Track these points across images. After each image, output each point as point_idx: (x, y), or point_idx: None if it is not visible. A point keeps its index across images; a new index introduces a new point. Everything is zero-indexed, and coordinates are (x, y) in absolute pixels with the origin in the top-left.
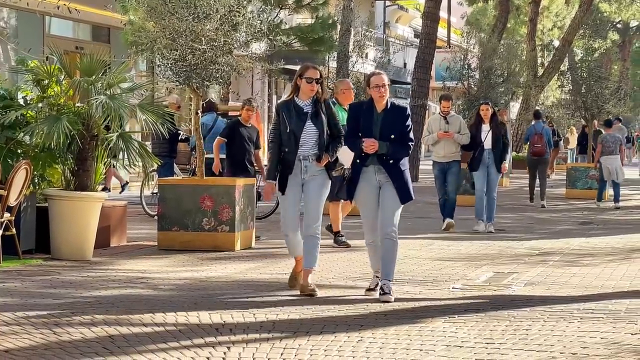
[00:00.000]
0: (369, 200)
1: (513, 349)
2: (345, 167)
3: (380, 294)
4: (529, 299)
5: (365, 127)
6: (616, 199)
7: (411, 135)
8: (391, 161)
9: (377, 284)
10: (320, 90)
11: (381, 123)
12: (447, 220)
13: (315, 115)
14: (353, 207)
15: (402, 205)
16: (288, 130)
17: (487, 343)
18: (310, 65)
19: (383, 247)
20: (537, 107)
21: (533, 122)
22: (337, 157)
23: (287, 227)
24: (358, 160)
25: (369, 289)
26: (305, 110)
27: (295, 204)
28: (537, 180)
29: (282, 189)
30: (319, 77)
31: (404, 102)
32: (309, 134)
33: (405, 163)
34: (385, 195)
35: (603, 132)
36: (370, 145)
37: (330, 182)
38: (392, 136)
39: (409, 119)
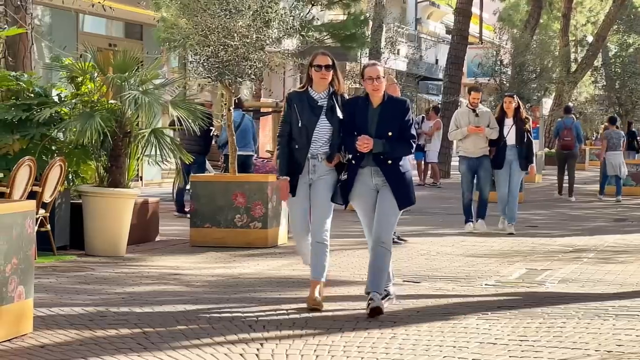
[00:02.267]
0: (366, 203)
1: (547, 347)
2: None
3: (369, 301)
4: (563, 296)
5: (360, 124)
6: (618, 192)
7: (413, 131)
8: (389, 161)
9: (385, 295)
10: (337, 81)
11: (377, 119)
12: (479, 220)
13: (331, 110)
14: None
15: (401, 212)
16: (300, 125)
17: (521, 340)
18: (320, 52)
19: (374, 255)
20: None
21: (563, 117)
22: (349, 158)
23: (296, 230)
24: (354, 161)
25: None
26: (319, 104)
27: (304, 205)
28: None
29: (293, 190)
30: (330, 63)
31: (435, 98)
32: (322, 131)
33: (406, 164)
34: (382, 200)
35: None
36: (363, 143)
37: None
38: (390, 133)
39: (409, 113)
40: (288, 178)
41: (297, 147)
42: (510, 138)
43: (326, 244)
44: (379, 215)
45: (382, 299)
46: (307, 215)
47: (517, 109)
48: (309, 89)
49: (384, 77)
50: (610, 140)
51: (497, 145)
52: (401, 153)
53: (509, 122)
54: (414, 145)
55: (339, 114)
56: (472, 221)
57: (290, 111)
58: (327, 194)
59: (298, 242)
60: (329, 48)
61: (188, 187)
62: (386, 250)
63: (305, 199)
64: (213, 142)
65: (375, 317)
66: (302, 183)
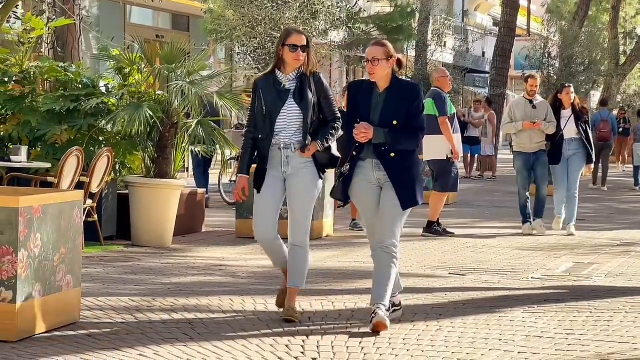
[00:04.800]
0: (367, 201)
1: (594, 341)
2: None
3: (372, 316)
4: (610, 290)
5: (363, 110)
6: (636, 183)
7: (422, 121)
8: (392, 154)
9: (394, 305)
10: (308, 60)
11: (382, 105)
12: (536, 220)
13: (300, 92)
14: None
15: (407, 212)
16: (264, 112)
17: (568, 334)
18: (294, 30)
19: (376, 261)
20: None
21: (599, 109)
22: (330, 148)
23: (258, 231)
24: (354, 152)
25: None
26: (287, 87)
27: (272, 201)
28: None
29: (258, 186)
30: (305, 44)
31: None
32: (291, 117)
33: (414, 158)
34: (384, 198)
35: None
36: (361, 131)
37: (320, 179)
38: (395, 122)
39: (419, 100)
40: (246, 176)
41: (260, 136)
42: (568, 131)
43: (304, 247)
44: (381, 215)
45: (388, 310)
46: (275, 213)
47: (573, 100)
48: (276, 71)
49: (386, 60)
50: (637, 133)
51: (553, 139)
52: (406, 145)
53: (566, 113)
54: (421, 137)
55: (310, 96)
56: (530, 221)
57: (255, 98)
58: (304, 191)
59: (261, 243)
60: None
61: (234, 178)
62: (389, 255)
63: (276, 196)
64: None
65: (378, 332)
66: (273, 176)
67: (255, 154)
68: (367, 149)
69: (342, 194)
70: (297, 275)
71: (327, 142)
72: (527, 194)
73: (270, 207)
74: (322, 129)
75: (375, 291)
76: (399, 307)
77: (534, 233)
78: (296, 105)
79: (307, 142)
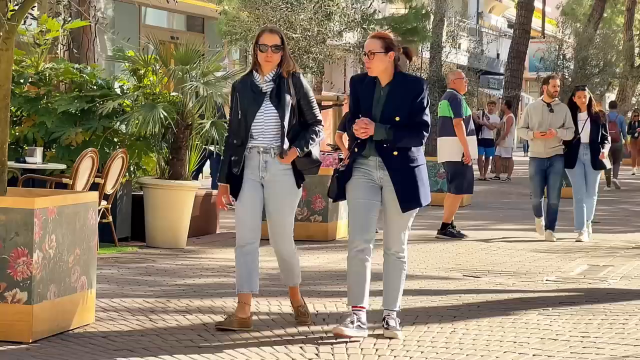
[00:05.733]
0: (365, 197)
1: (609, 343)
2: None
3: (384, 327)
4: (626, 293)
5: (365, 106)
6: None
7: (426, 117)
8: (394, 152)
9: (354, 320)
10: (285, 61)
11: (384, 100)
12: (547, 231)
13: (277, 94)
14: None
15: (414, 214)
16: (239, 116)
17: (583, 337)
18: (266, 28)
19: (385, 265)
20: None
21: (608, 111)
22: (311, 153)
23: (240, 236)
24: (356, 149)
25: (340, 326)
26: (264, 90)
27: (252, 206)
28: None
29: (235, 193)
30: (279, 43)
31: (496, 92)
32: (269, 120)
33: (418, 156)
34: (388, 203)
35: None
36: (361, 127)
37: (299, 189)
38: (397, 118)
39: (424, 95)
40: (226, 185)
41: (235, 141)
42: (585, 135)
43: (292, 257)
44: (387, 220)
45: (353, 323)
46: (256, 219)
47: (590, 103)
48: (254, 73)
49: (384, 52)
50: None
51: (570, 142)
52: (408, 142)
53: (582, 116)
54: (426, 135)
55: (287, 98)
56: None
57: (233, 103)
58: (281, 198)
59: (239, 250)
60: None
61: None
62: (399, 262)
63: (256, 201)
64: None
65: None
66: (252, 180)
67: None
68: (369, 146)
69: (337, 191)
70: (293, 275)
71: (308, 147)
72: (540, 200)
73: (250, 212)
74: (303, 132)
75: (388, 295)
76: (364, 326)
77: (540, 236)
78: (273, 108)
79: (284, 147)
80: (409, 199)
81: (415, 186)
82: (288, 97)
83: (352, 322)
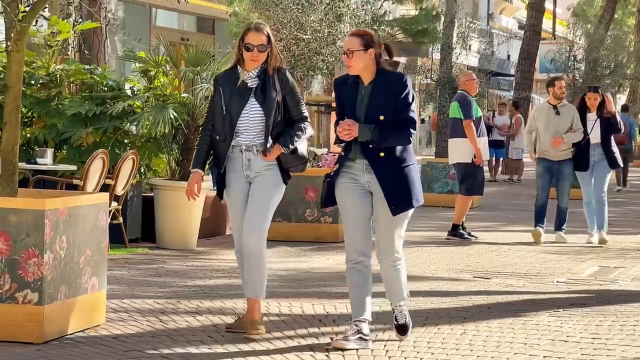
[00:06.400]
0: (354, 204)
1: (620, 345)
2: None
3: (395, 325)
4: (636, 294)
5: (349, 107)
6: None
7: (412, 114)
8: (381, 153)
9: (357, 330)
10: (271, 56)
11: (368, 100)
12: (557, 232)
13: (262, 90)
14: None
15: (408, 217)
16: (224, 112)
17: (593, 338)
18: (253, 27)
19: (382, 272)
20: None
21: (620, 114)
22: (297, 150)
23: (239, 245)
24: (342, 152)
25: (340, 339)
26: (249, 85)
27: (243, 205)
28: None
29: (220, 192)
30: (265, 43)
31: (507, 94)
32: (254, 117)
33: (406, 156)
34: (378, 209)
35: None
36: (344, 129)
37: (284, 184)
38: (382, 117)
39: (408, 91)
40: (200, 172)
41: (217, 138)
42: (594, 136)
43: (259, 253)
44: (379, 226)
45: (354, 335)
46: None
47: (602, 104)
48: (238, 67)
49: (363, 50)
50: None
51: (579, 144)
52: (395, 141)
53: (592, 116)
54: (414, 132)
55: (273, 94)
56: (542, 226)
57: (216, 96)
58: (263, 196)
59: (239, 254)
60: (400, 43)
61: None
62: (395, 270)
63: (246, 198)
64: None
65: (404, 334)
66: (237, 181)
67: (212, 156)
68: (354, 148)
69: (327, 197)
70: (256, 284)
71: (293, 144)
72: (546, 198)
73: (243, 210)
74: (288, 129)
75: (391, 293)
76: (366, 337)
77: (540, 240)
78: (258, 105)
79: (268, 144)
80: (398, 201)
81: (405, 187)
82: (274, 94)
83: (353, 334)
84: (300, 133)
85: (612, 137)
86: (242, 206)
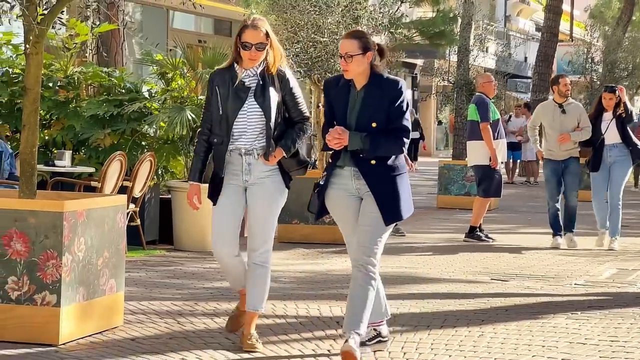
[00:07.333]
0: (346, 211)
1: (638, 348)
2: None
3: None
4: None
5: (339, 112)
6: None
7: (406, 122)
8: (372, 162)
9: (375, 336)
10: (272, 55)
11: (359, 106)
12: (567, 234)
13: (262, 91)
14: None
15: (389, 228)
16: (221, 113)
17: (612, 341)
18: (251, 23)
19: (352, 281)
20: None
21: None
22: (298, 153)
23: (216, 245)
24: (331, 160)
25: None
26: (247, 85)
27: (232, 214)
28: None
29: (214, 197)
30: (263, 41)
31: (524, 96)
32: (252, 119)
33: (398, 165)
34: (364, 210)
35: None
36: (334, 137)
37: (286, 189)
38: (374, 124)
39: (402, 99)
40: (197, 184)
41: (215, 141)
42: (609, 136)
43: (266, 266)
44: (360, 229)
45: (371, 340)
46: (235, 228)
47: (618, 105)
48: (235, 65)
49: (362, 54)
50: None
51: (594, 144)
52: (386, 151)
53: (607, 116)
54: (407, 142)
55: (273, 94)
56: (560, 234)
57: (211, 96)
58: (267, 203)
59: (220, 261)
60: (417, 45)
61: None
62: (366, 276)
63: (236, 208)
64: None
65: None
66: (232, 186)
67: (210, 159)
68: (344, 156)
69: (318, 206)
70: (257, 298)
71: (295, 146)
72: (557, 205)
73: (229, 221)
74: (289, 131)
75: (349, 317)
76: (385, 339)
77: (560, 247)
78: (257, 106)
79: (270, 147)
80: (389, 211)
81: (396, 198)
82: (274, 94)
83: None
84: (301, 134)
85: (630, 132)
86: (234, 213)
